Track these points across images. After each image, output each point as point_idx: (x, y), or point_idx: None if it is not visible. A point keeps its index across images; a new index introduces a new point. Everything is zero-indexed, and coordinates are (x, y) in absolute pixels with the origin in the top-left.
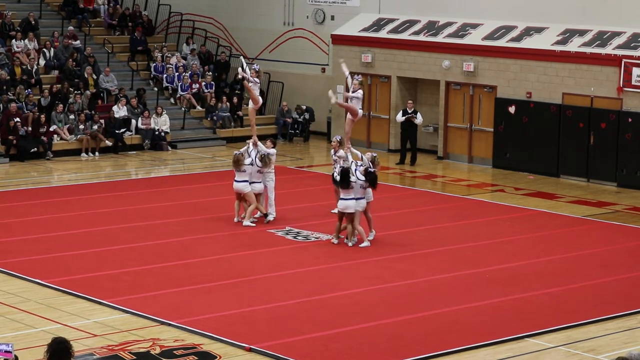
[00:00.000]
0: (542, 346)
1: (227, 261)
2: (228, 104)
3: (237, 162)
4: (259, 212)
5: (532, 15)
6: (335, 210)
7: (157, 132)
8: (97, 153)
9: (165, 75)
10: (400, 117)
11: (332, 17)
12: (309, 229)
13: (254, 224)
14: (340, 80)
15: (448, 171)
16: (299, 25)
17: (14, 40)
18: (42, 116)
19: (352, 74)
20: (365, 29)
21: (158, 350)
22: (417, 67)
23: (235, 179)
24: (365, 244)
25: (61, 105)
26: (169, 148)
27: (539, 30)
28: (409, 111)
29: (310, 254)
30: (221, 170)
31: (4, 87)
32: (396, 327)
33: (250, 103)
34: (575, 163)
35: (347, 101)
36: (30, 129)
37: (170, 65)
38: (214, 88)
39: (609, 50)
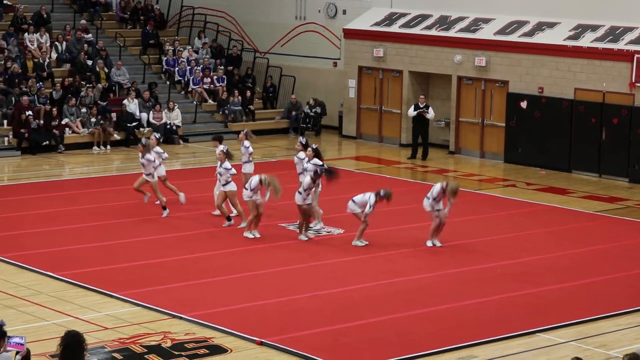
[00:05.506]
0: (553, 341)
1: (238, 255)
2: (240, 97)
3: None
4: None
5: (544, 10)
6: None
7: (168, 126)
8: (108, 146)
9: (177, 69)
10: (412, 112)
11: (344, 12)
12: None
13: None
14: (353, 74)
15: (460, 166)
16: (310, 19)
17: (26, 34)
18: (54, 109)
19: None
20: (377, 24)
21: (169, 344)
22: (428, 61)
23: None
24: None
25: (73, 99)
26: (181, 142)
27: (551, 25)
28: (421, 106)
29: (322, 248)
30: (232, 164)
31: (16, 81)
32: (407, 322)
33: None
34: (587, 158)
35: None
36: (42, 122)
37: (182, 59)
38: (225, 82)
39: (621, 45)
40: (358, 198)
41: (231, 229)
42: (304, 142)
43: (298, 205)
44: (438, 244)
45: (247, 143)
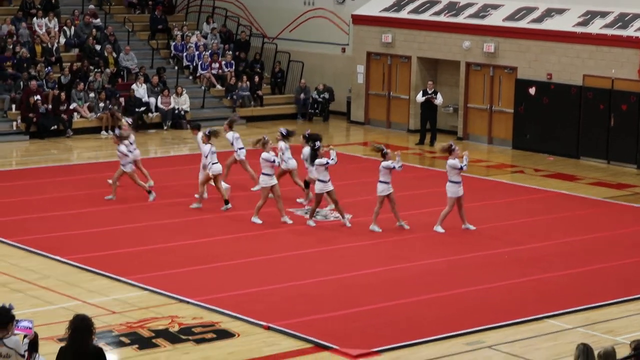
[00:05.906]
0: (560, 327)
1: (246, 240)
2: (248, 83)
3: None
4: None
5: None
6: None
7: (177, 111)
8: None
9: (185, 54)
10: (420, 98)
11: None
12: (329, 209)
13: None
14: (361, 60)
15: (468, 152)
16: (319, 4)
17: (34, 19)
18: (62, 94)
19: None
20: (385, 9)
21: (177, 328)
22: (437, 47)
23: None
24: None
25: (82, 83)
26: (189, 127)
27: (560, 11)
28: (429, 92)
29: (330, 234)
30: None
31: (25, 65)
32: (416, 307)
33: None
34: (595, 145)
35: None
36: (50, 106)
37: (191, 44)
38: (234, 67)
39: (630, 32)
40: (383, 176)
41: (238, 214)
42: (284, 133)
43: (317, 193)
44: (472, 227)
45: (230, 134)
